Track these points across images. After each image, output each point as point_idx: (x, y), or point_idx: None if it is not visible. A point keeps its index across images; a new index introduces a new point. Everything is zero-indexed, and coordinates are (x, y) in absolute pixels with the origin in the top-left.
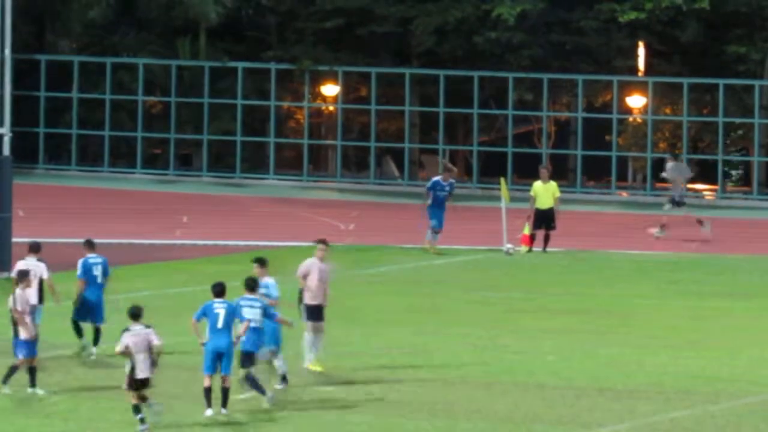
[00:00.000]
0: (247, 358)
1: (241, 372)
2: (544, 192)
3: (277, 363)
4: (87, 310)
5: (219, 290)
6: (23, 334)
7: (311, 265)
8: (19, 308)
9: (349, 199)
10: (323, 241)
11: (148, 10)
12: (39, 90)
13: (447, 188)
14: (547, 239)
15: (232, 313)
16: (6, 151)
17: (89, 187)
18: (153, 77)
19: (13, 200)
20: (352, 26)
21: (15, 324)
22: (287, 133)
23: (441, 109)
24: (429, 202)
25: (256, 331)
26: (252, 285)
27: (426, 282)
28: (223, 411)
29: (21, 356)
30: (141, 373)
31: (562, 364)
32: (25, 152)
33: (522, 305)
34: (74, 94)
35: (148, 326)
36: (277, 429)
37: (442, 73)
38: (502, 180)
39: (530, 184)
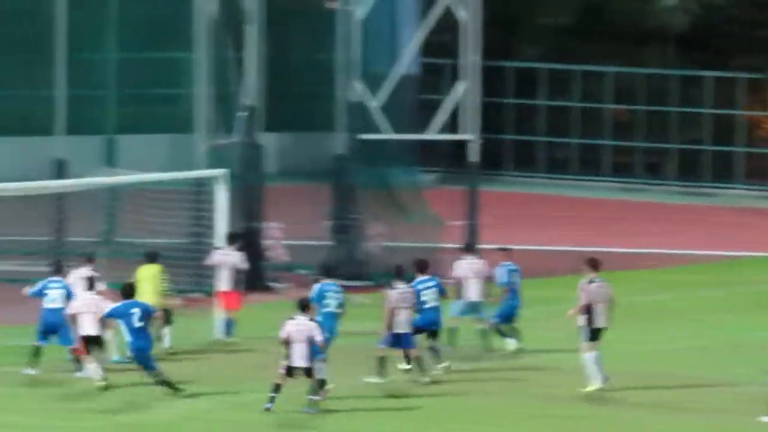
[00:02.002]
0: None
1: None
2: None
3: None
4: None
5: None
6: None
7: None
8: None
9: None
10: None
11: (616, 17)
12: (506, 97)
13: None
14: None
15: None
16: (474, 157)
17: (555, 194)
18: (621, 85)
19: (480, 207)
20: None
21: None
22: (756, 143)
23: None
24: None
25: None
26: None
27: None
28: None
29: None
30: (298, 361)
31: None
32: (491, 159)
33: None
34: (541, 101)
35: (311, 319)
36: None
37: None
38: None
39: None
